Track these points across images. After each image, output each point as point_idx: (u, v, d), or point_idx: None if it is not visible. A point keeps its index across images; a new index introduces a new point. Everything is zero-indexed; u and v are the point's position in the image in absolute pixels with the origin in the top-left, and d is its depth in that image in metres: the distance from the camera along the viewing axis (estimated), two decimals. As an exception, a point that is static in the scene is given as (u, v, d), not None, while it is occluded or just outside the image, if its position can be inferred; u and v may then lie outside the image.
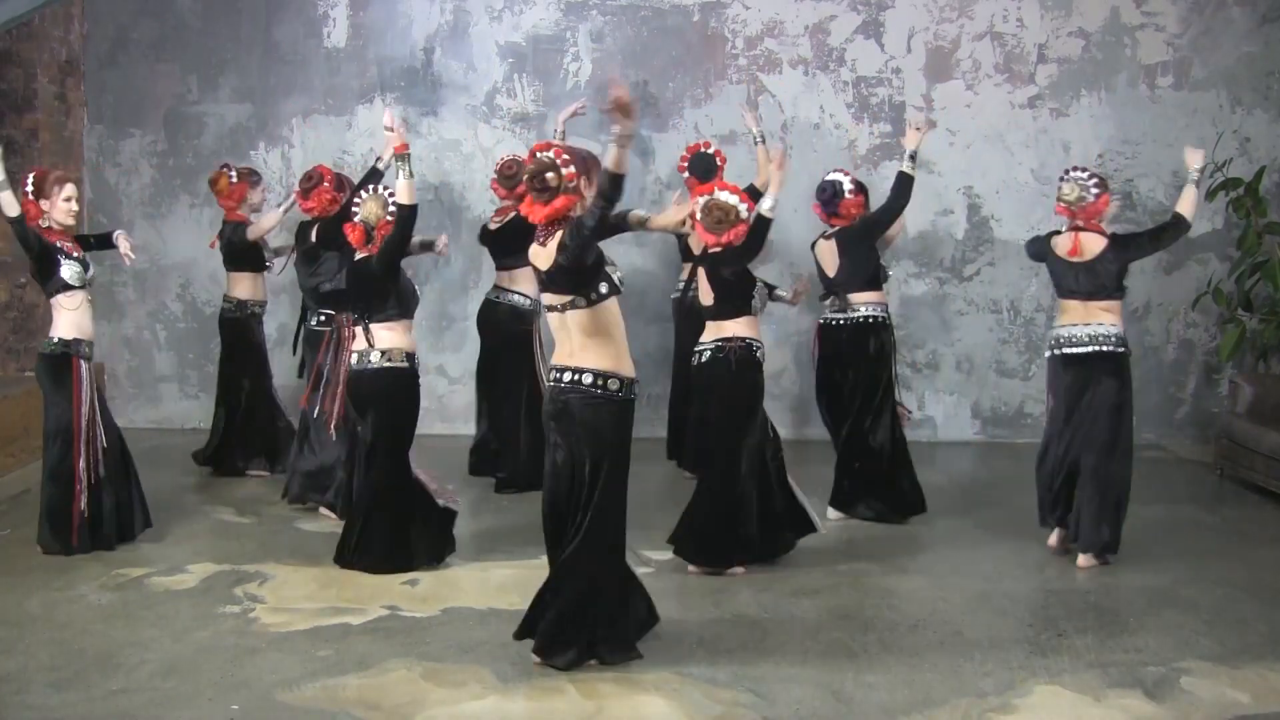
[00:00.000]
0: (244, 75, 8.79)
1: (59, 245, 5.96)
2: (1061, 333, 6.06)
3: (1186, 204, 6.01)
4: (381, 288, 5.73)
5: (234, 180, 7.36)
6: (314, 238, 6.66)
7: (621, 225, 4.76)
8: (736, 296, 5.81)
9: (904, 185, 6.51)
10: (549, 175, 4.56)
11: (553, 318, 4.68)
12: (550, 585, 4.72)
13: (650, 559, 5.95)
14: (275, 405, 7.57)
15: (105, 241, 6.39)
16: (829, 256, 6.75)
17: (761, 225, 5.64)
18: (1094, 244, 5.99)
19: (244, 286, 7.48)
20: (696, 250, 6.09)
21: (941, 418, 8.94)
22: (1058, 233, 6.12)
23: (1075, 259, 5.97)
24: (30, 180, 5.98)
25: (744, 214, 5.61)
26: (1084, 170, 6.09)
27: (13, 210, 5.78)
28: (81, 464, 5.91)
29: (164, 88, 8.79)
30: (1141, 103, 8.73)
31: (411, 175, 5.53)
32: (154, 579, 5.66)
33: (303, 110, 8.78)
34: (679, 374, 7.59)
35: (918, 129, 6.55)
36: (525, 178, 4.65)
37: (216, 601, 5.39)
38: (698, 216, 5.58)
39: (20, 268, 8.05)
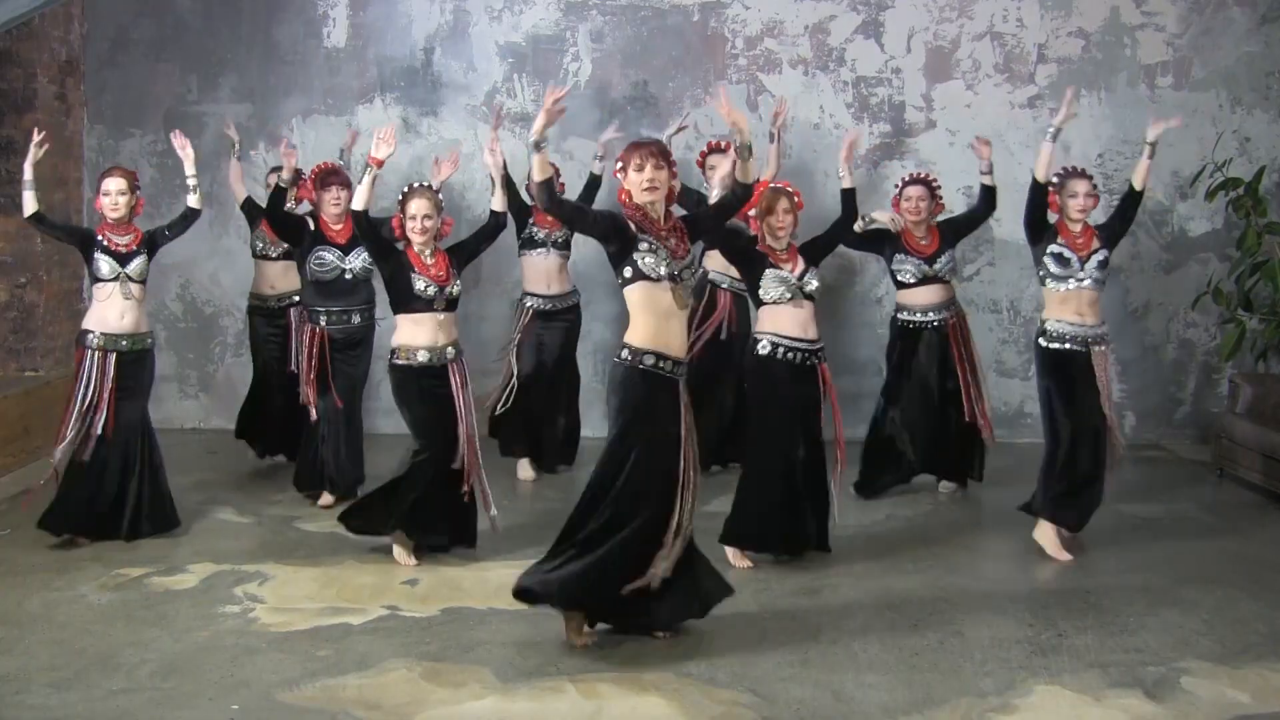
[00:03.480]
0: (244, 75, 8.78)
1: (101, 238, 6.21)
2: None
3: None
4: None
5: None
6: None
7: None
8: None
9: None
10: None
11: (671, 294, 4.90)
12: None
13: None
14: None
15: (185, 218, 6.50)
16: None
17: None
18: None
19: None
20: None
21: (941, 417, 8.92)
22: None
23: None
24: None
25: None
26: None
27: (30, 208, 6.13)
28: (58, 451, 6.13)
29: (164, 88, 8.78)
30: (1141, 103, 8.71)
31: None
32: (154, 579, 5.66)
33: (303, 110, 8.78)
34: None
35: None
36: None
37: (216, 601, 5.39)
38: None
39: (20, 268, 8.07)
